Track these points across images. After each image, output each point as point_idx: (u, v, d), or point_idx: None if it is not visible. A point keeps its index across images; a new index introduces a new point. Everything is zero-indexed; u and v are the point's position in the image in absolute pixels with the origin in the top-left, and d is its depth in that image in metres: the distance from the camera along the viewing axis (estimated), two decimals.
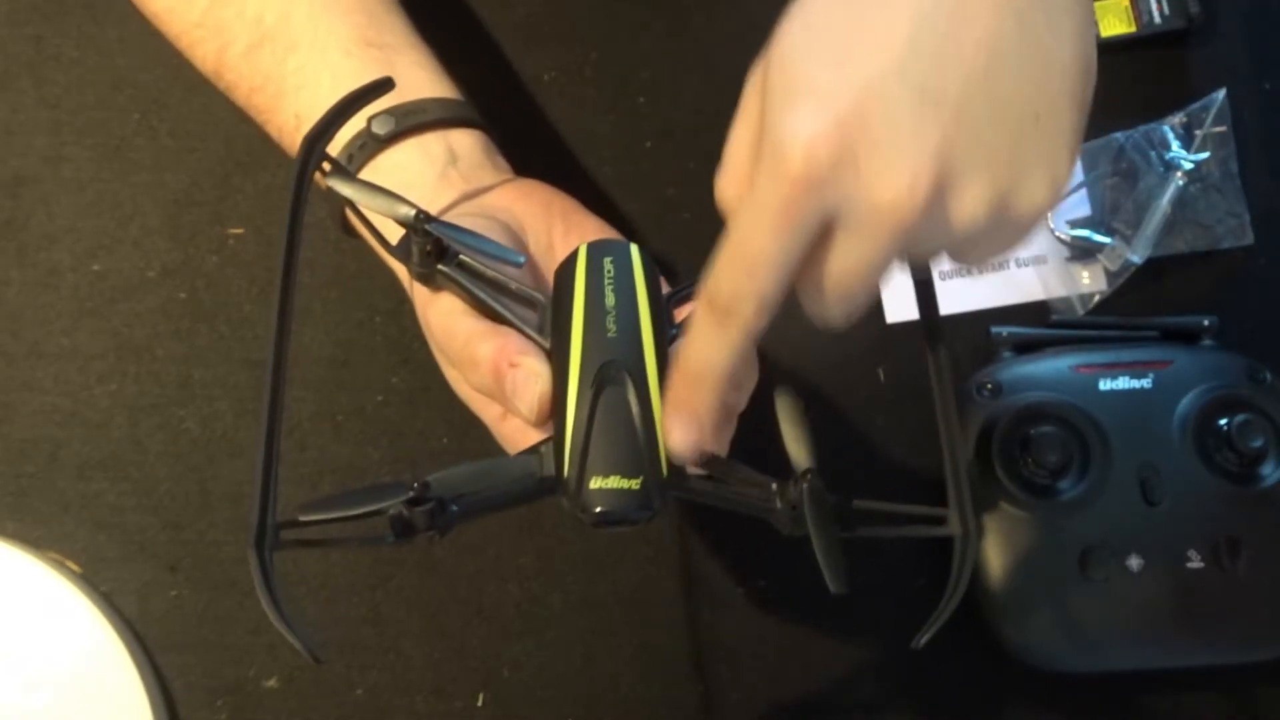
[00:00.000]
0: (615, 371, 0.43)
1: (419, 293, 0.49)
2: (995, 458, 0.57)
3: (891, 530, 0.42)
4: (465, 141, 0.54)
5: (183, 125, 0.66)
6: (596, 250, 0.46)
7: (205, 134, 0.66)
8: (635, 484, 0.42)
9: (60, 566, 0.61)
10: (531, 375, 0.44)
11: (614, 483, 0.42)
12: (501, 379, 0.44)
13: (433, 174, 0.52)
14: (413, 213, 0.45)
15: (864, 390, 0.63)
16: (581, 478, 0.42)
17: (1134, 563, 0.56)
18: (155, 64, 0.66)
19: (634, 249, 0.46)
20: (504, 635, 0.61)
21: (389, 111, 0.52)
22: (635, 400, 0.42)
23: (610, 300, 0.44)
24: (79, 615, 0.60)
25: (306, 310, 0.64)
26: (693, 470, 0.43)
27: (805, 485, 0.41)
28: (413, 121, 0.53)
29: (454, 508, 0.41)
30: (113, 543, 0.62)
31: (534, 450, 0.44)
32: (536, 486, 0.43)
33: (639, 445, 0.42)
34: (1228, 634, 0.57)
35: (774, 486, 0.42)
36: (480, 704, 0.60)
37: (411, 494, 0.39)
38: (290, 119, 0.55)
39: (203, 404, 0.63)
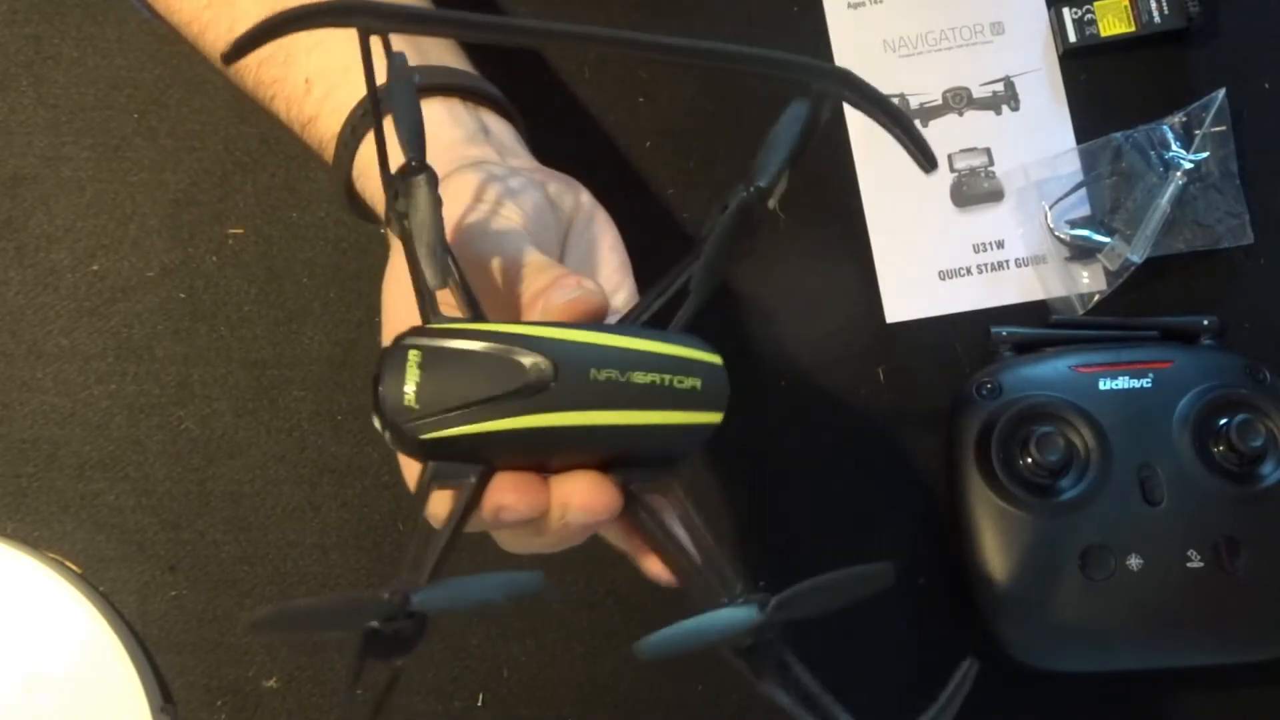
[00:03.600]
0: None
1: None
2: (995, 458, 0.57)
3: (803, 713, 0.37)
4: (500, 125, 0.52)
5: (182, 125, 0.66)
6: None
7: (205, 134, 0.66)
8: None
9: (60, 566, 0.61)
10: (591, 285, 0.40)
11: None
12: (562, 273, 0.41)
13: (460, 134, 0.49)
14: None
15: (864, 390, 0.63)
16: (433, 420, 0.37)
17: (1134, 563, 0.56)
18: (155, 64, 0.66)
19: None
20: (504, 635, 0.61)
21: (415, 69, 0.50)
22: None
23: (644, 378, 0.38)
24: (79, 615, 0.60)
25: (306, 310, 0.64)
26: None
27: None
28: (441, 80, 0.50)
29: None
30: (112, 543, 0.62)
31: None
32: None
33: None
34: (1228, 634, 0.57)
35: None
36: (480, 704, 0.60)
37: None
38: (300, 84, 0.53)
39: (202, 404, 0.63)
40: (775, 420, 0.61)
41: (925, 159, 0.39)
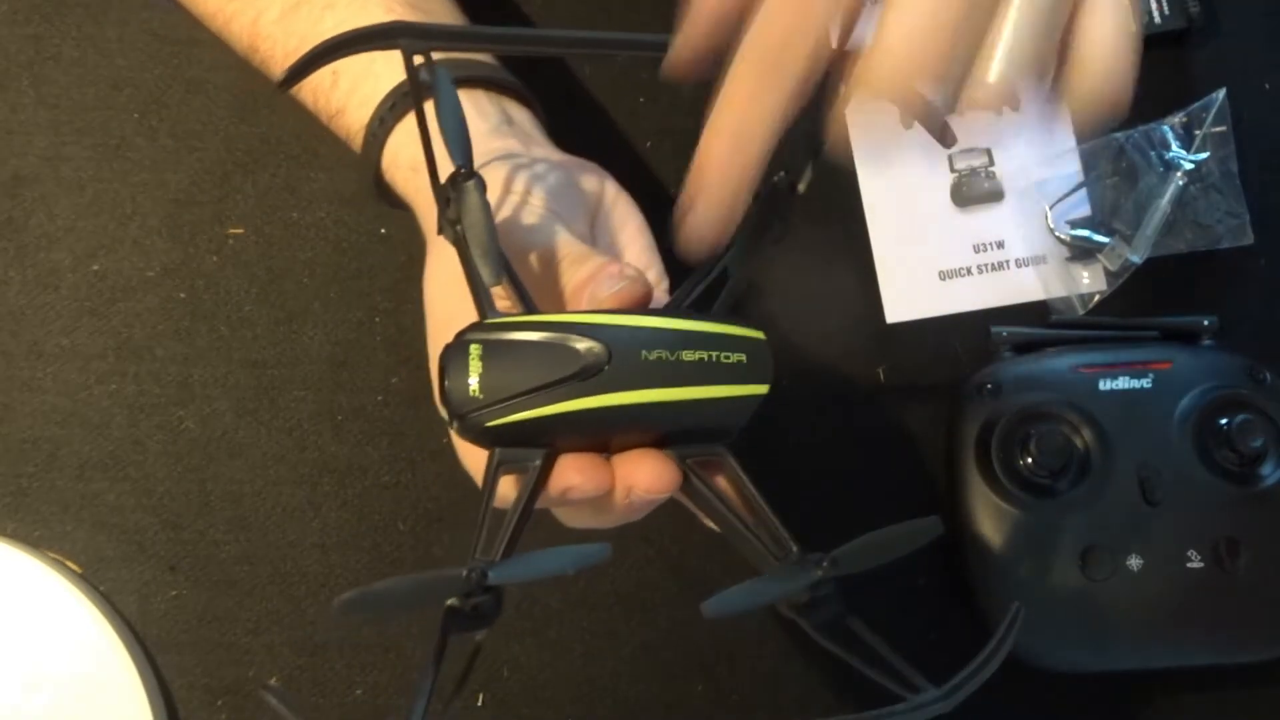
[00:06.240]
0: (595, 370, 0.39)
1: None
2: (995, 458, 0.57)
3: (862, 665, 0.40)
4: (521, 113, 0.52)
5: (183, 125, 0.66)
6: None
7: (205, 134, 0.66)
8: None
9: (60, 566, 0.61)
10: (632, 271, 0.41)
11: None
12: (604, 263, 0.42)
13: (484, 127, 0.50)
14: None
15: (864, 390, 0.63)
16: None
17: (1134, 563, 0.56)
18: (155, 64, 0.66)
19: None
20: (504, 635, 0.61)
21: (439, 63, 0.51)
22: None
23: (692, 356, 0.40)
24: (79, 615, 0.60)
25: (306, 310, 0.64)
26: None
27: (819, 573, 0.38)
28: (464, 73, 0.51)
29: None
30: (113, 543, 0.62)
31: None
32: None
33: None
34: (1228, 634, 0.57)
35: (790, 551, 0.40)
36: (480, 704, 0.60)
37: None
38: (327, 76, 0.53)
39: (202, 404, 0.63)
40: (775, 420, 0.61)
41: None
